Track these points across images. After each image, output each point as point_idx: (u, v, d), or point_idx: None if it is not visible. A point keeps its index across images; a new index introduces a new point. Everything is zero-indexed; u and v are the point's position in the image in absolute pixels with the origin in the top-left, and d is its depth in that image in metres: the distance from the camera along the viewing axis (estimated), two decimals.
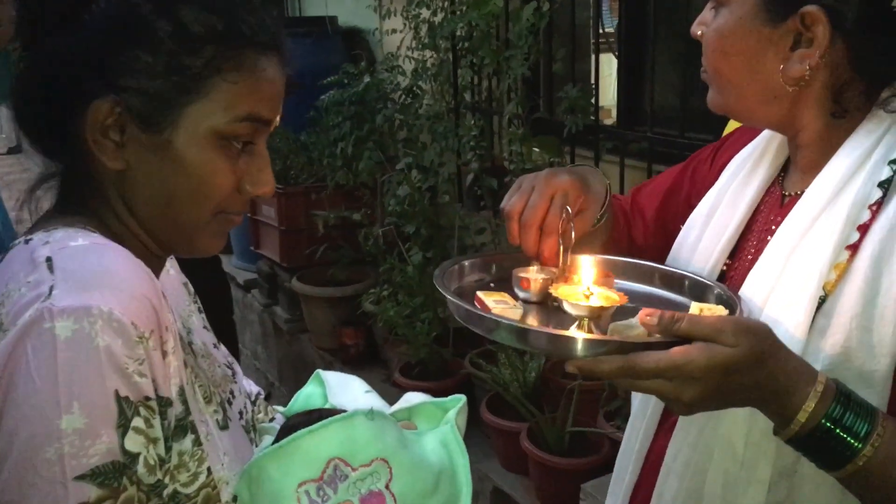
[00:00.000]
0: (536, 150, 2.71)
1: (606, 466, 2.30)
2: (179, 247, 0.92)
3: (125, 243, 0.85)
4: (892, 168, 0.91)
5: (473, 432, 2.83)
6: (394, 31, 3.54)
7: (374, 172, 3.34)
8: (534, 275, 1.02)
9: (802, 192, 0.98)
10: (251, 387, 1.18)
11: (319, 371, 1.18)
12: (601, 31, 3.02)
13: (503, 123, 3.11)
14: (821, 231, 0.92)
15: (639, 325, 0.85)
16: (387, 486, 0.87)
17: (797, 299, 0.90)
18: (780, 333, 0.86)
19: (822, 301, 0.90)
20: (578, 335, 0.84)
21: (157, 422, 0.77)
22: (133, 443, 0.74)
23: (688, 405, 0.81)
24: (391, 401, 1.11)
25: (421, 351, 2.81)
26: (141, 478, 0.75)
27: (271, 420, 1.16)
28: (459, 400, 1.03)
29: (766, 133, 1.10)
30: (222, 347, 1.10)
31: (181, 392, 0.82)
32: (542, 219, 1.02)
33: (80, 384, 0.72)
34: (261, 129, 0.87)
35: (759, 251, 1.01)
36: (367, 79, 3.49)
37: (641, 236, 1.25)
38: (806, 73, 0.91)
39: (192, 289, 1.10)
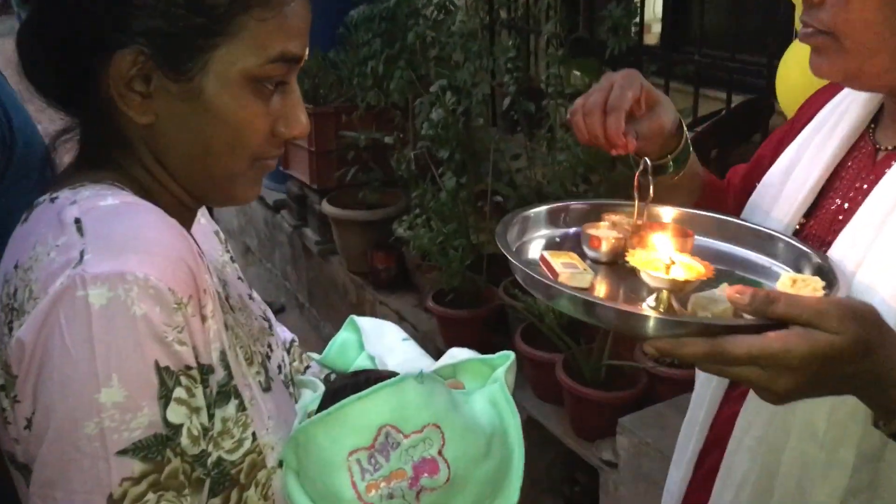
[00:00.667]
0: (576, 73, 2.60)
1: (643, 400, 2.28)
2: (216, 198, 0.87)
3: (156, 198, 0.81)
4: None
5: None
6: None
7: (406, 93, 3.23)
8: (605, 232, 0.95)
9: None
10: (285, 333, 1.15)
11: (353, 317, 1.14)
12: None
13: (541, 43, 2.99)
14: None
15: (725, 298, 0.77)
16: (439, 453, 0.83)
17: (892, 269, 0.83)
18: (876, 302, 0.79)
19: None
20: (654, 314, 0.76)
21: (199, 391, 0.74)
22: (175, 414, 0.71)
23: (781, 395, 0.73)
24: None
25: (454, 279, 2.77)
26: (185, 449, 0.72)
27: (306, 368, 1.13)
28: (508, 357, 0.99)
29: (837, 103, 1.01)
30: (256, 296, 1.06)
31: (223, 357, 0.78)
32: (604, 101, 0.94)
33: (117, 355, 0.68)
34: (292, 67, 0.82)
35: (846, 210, 0.94)
36: None
37: (729, 205, 1.16)
38: None
39: (223, 236, 1.05)
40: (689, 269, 0.83)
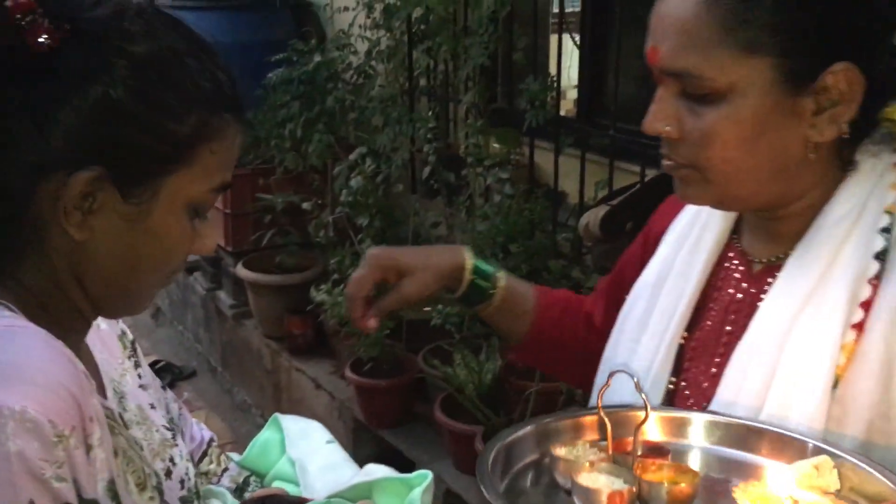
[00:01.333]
0: (495, 144, 2.63)
1: None
2: (118, 310, 0.85)
3: (52, 311, 0.77)
4: (885, 238, 0.85)
5: (426, 431, 2.77)
6: (345, 8, 3.40)
7: (325, 156, 3.22)
8: (605, 479, 0.78)
9: (778, 259, 0.92)
10: (203, 433, 1.09)
11: (277, 415, 1.10)
12: (564, 19, 2.94)
13: (460, 113, 3.02)
14: (821, 307, 0.85)
15: None
16: None
17: (808, 386, 0.83)
18: (793, 424, 0.80)
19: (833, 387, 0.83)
20: None
21: None
22: None
23: None
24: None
25: (373, 348, 2.73)
26: None
27: (224, 471, 1.07)
28: (426, 477, 0.96)
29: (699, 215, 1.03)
30: (161, 399, 1.01)
31: (111, 486, 0.74)
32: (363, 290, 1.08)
33: None
34: (218, 197, 0.84)
35: (733, 324, 0.94)
36: (317, 57, 3.35)
37: (600, 316, 1.18)
38: (844, 132, 0.85)
39: (128, 337, 1.00)
40: None
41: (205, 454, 1.07)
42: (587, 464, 0.80)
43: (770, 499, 0.72)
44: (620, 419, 0.86)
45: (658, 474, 0.79)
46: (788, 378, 0.85)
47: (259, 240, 3.41)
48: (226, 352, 3.96)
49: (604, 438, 0.85)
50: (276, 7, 3.96)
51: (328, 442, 1.07)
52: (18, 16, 0.70)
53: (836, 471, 0.76)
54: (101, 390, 0.85)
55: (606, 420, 0.84)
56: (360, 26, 3.29)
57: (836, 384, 0.83)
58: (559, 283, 2.51)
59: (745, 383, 0.88)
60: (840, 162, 0.90)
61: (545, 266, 2.59)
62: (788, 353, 0.86)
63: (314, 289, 3.05)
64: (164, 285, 0.85)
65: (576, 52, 2.94)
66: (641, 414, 0.84)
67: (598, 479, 0.78)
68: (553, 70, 2.64)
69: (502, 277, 1.17)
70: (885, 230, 0.85)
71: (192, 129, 0.76)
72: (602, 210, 2.36)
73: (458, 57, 2.86)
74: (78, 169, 0.72)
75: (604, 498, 0.75)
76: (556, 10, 3.26)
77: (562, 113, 2.83)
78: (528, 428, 0.89)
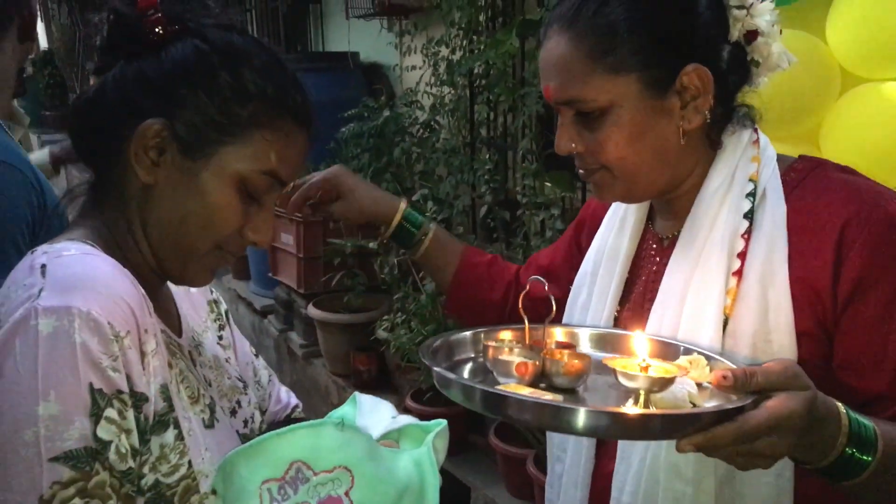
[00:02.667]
0: (548, 184, 2.80)
1: None
2: (172, 271, 0.99)
3: (126, 255, 0.94)
4: (750, 200, 1.05)
5: (482, 458, 2.89)
6: (413, 67, 3.67)
7: None
8: (518, 357, 1.02)
9: (678, 234, 1.10)
10: (291, 399, 1.26)
11: (357, 393, 1.24)
12: None
13: (517, 158, 3.21)
14: (708, 263, 1.04)
15: (680, 396, 0.88)
16: (346, 493, 0.92)
17: (705, 327, 1.02)
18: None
19: (724, 324, 1.01)
20: (675, 413, 0.85)
21: (130, 414, 0.84)
22: (105, 431, 0.81)
23: (781, 456, 0.84)
24: None
25: (431, 378, 2.87)
26: (113, 464, 0.81)
27: None
28: (440, 424, 1.07)
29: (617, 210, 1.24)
30: (247, 361, 1.19)
31: (164, 390, 0.89)
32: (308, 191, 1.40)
33: (56, 375, 0.79)
34: (275, 188, 0.97)
35: (651, 291, 1.13)
36: (386, 112, 3.60)
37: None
38: (707, 118, 1.04)
39: (221, 307, 1.19)
40: (664, 370, 0.91)
41: (288, 416, 1.24)
42: (506, 349, 1.05)
43: (630, 365, 0.91)
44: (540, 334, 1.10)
45: (560, 356, 1.01)
46: (690, 324, 1.04)
47: (329, 282, 3.62)
48: (296, 390, 4.13)
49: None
50: (350, 69, 4.26)
51: (393, 417, 1.18)
52: (142, 8, 0.90)
53: (707, 368, 0.93)
54: (178, 330, 1.03)
55: (524, 314, 1.08)
56: (426, 83, 3.54)
57: (726, 322, 1.01)
58: None
59: (660, 334, 1.07)
60: (710, 144, 1.09)
61: None
62: (689, 305, 1.05)
63: (378, 325, 3.24)
64: (214, 260, 0.98)
65: None
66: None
67: (513, 357, 1.01)
68: None
69: (431, 229, 1.41)
70: (751, 194, 1.05)
71: (250, 115, 0.92)
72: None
73: (515, 107, 3.06)
74: (153, 117, 0.91)
75: (513, 368, 0.98)
76: None
77: None
78: (468, 332, 1.13)
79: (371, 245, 3.38)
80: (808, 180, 1.05)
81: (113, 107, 0.93)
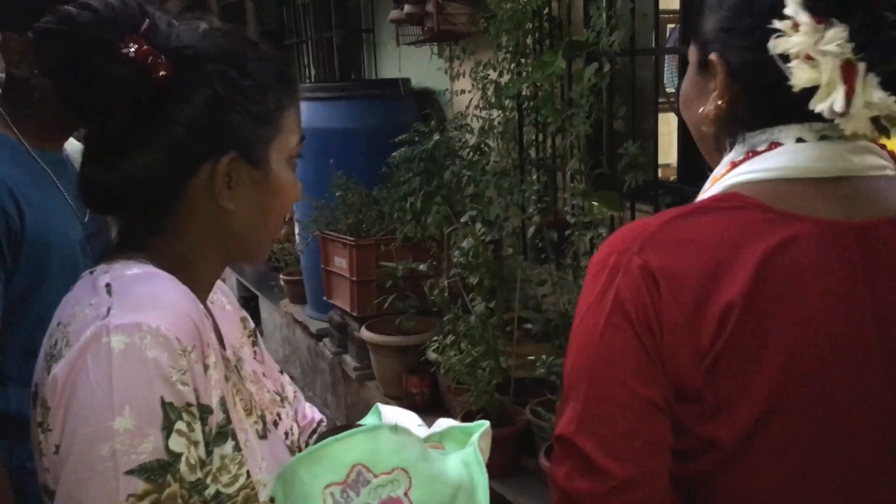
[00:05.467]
0: (596, 204, 2.79)
1: None
2: (253, 257, 1.06)
3: (192, 271, 0.99)
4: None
5: (533, 480, 2.86)
6: (463, 91, 3.70)
7: (442, 226, 3.46)
8: None
9: None
10: (314, 413, 1.29)
11: (378, 404, 1.27)
12: (663, 90, 3.11)
13: (566, 179, 3.21)
14: None
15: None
16: (405, 494, 0.96)
17: None
18: None
19: None
20: None
21: (197, 426, 0.87)
22: (176, 443, 0.84)
23: None
24: None
25: (482, 399, 2.87)
26: (183, 476, 0.85)
27: None
28: (483, 425, 1.12)
29: None
30: (276, 378, 1.22)
31: (222, 402, 0.92)
32: None
33: (130, 390, 0.82)
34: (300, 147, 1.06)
35: None
36: (436, 137, 3.64)
37: None
38: (711, 112, 0.99)
39: (251, 324, 1.22)
40: None
41: (314, 431, 1.26)
42: None
43: None
44: None
45: None
46: None
47: (381, 304, 3.65)
48: (350, 413, 4.19)
49: None
50: (402, 95, 4.32)
51: (419, 426, 1.21)
52: (139, 60, 0.91)
53: None
54: (221, 344, 1.06)
55: None
56: (475, 107, 3.57)
57: None
58: None
59: None
60: (718, 143, 1.04)
61: None
62: None
63: (429, 346, 3.26)
64: (277, 235, 1.07)
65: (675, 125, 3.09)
66: None
67: None
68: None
69: None
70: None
71: (275, 103, 0.99)
72: None
73: (563, 128, 3.07)
74: (219, 156, 0.96)
75: None
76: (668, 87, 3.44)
77: (664, 179, 2.97)
78: None
79: (421, 268, 3.40)
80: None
81: (166, 166, 0.95)
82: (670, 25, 3.59)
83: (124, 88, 0.91)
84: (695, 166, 3.00)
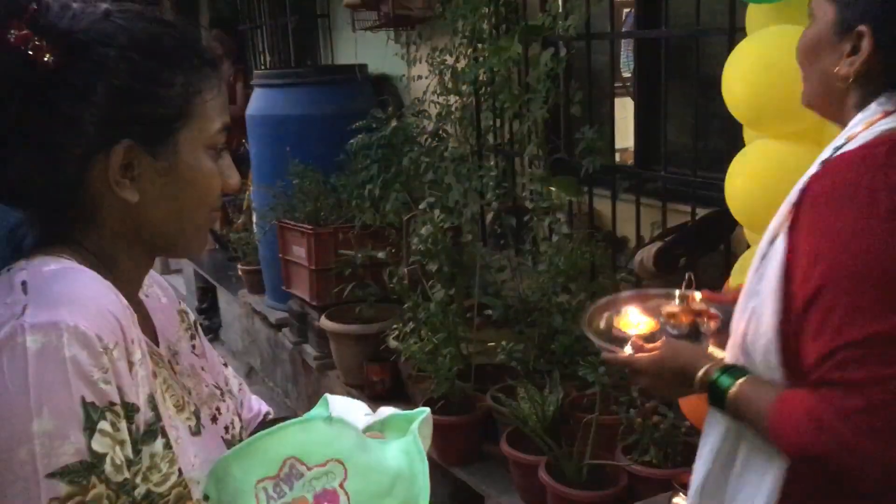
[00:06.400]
0: (554, 189, 2.80)
1: (624, 500, 2.34)
2: (179, 250, 1.01)
3: (112, 266, 0.95)
4: (831, 151, 1.16)
5: (494, 466, 2.87)
6: (420, 77, 3.68)
7: (401, 213, 3.44)
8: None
9: None
10: (260, 406, 1.27)
11: (327, 395, 1.25)
12: (619, 75, 3.11)
13: (524, 164, 3.21)
14: (791, 195, 1.16)
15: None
16: (341, 485, 0.93)
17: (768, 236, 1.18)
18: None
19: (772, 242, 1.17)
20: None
21: (123, 425, 0.84)
22: (100, 444, 0.81)
23: (648, 387, 1.34)
24: None
25: (443, 386, 2.87)
26: (109, 476, 0.82)
27: None
28: (423, 412, 1.09)
29: None
30: (218, 371, 1.19)
31: (150, 399, 0.89)
32: None
33: (48, 391, 0.79)
34: (225, 134, 1.01)
35: None
36: (394, 123, 3.61)
37: None
38: (850, 74, 1.14)
39: (190, 317, 1.19)
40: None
41: (261, 423, 1.24)
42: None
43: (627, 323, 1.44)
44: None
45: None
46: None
47: (341, 293, 3.63)
48: (311, 403, 4.14)
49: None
50: (358, 81, 4.28)
51: (367, 415, 1.20)
52: (21, 46, 0.85)
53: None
54: (154, 338, 1.03)
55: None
56: (432, 93, 3.55)
57: (774, 239, 1.16)
58: None
59: None
60: (845, 98, 1.18)
61: None
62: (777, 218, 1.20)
63: (389, 334, 3.24)
64: (210, 224, 1.01)
65: (631, 109, 3.11)
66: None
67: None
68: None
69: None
70: (837, 147, 1.15)
71: (182, 88, 0.93)
72: (655, 246, 2.48)
73: (521, 114, 3.06)
74: (111, 146, 0.90)
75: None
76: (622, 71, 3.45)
77: (622, 163, 2.98)
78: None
79: (380, 255, 3.38)
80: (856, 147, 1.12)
81: (54, 153, 0.89)
82: (626, 10, 3.60)
83: (7, 77, 0.86)
84: (650, 150, 3.02)
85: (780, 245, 1.12)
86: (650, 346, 1.32)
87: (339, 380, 3.77)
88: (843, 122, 1.20)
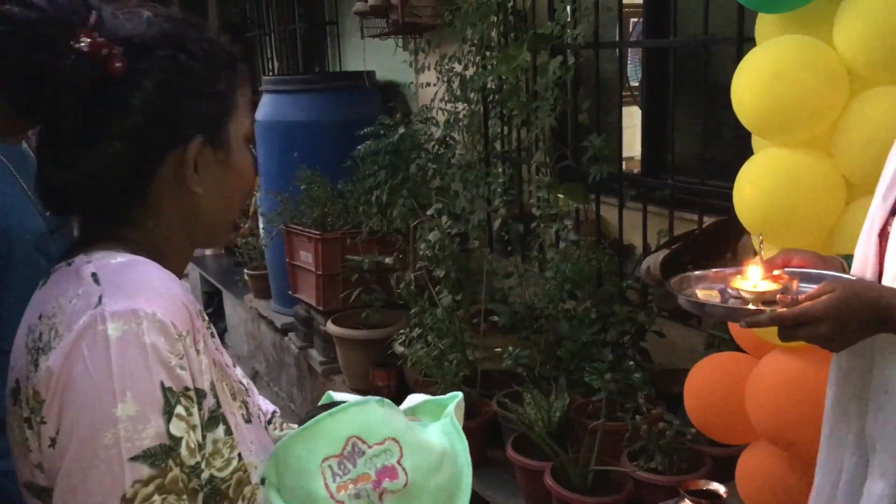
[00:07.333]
0: (562, 196, 2.81)
1: None
2: (217, 240, 1.08)
3: (165, 256, 0.98)
4: None
5: (500, 471, 2.88)
6: (428, 84, 3.70)
7: (408, 219, 3.46)
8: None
9: None
10: (267, 405, 1.29)
11: (330, 392, 1.27)
12: (627, 84, 3.13)
13: (531, 171, 3.22)
14: None
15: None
16: (398, 462, 0.99)
17: None
18: None
19: None
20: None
21: (195, 410, 0.87)
22: (176, 428, 0.84)
23: (823, 338, 1.16)
24: None
25: (448, 391, 2.87)
26: (184, 459, 0.85)
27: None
28: (456, 396, 1.17)
29: None
30: (238, 368, 1.22)
31: (212, 387, 0.92)
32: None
33: (131, 376, 0.82)
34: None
35: None
36: (401, 130, 3.63)
37: None
38: None
39: (205, 316, 1.21)
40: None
41: (269, 422, 1.26)
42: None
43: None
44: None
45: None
46: None
47: (347, 298, 3.64)
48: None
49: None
50: (366, 87, 4.31)
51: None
52: (95, 54, 0.89)
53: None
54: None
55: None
56: (440, 100, 3.57)
57: None
58: (624, 325, 2.63)
59: None
60: None
61: (612, 311, 2.72)
62: None
63: (395, 339, 3.25)
64: (237, 218, 1.07)
65: (639, 118, 3.12)
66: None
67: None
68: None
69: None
70: None
71: (227, 84, 0.98)
72: (662, 254, 2.50)
73: (528, 121, 3.08)
74: (186, 143, 0.95)
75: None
76: (630, 80, 3.47)
77: (629, 172, 2.99)
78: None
79: (387, 261, 3.39)
80: None
81: (126, 158, 0.93)
82: (633, 19, 3.62)
83: (79, 83, 0.89)
84: (657, 159, 3.04)
85: None
86: (803, 296, 1.20)
87: (345, 385, 3.78)
88: None
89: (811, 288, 1.25)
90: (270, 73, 6.03)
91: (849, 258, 1.37)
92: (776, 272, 1.32)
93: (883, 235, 1.29)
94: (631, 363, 2.57)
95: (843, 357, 1.32)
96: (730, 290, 1.31)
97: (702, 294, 1.36)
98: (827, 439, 1.37)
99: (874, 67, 1.70)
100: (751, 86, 1.79)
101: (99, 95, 0.90)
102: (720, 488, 2.07)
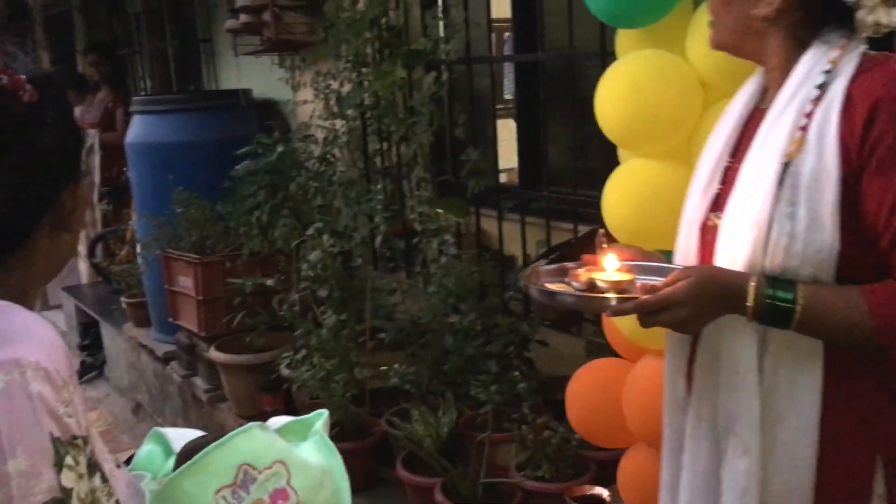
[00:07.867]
0: (442, 211, 2.82)
1: None
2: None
3: (31, 301, 0.95)
4: (824, 75, 1.24)
5: (391, 490, 2.86)
6: (305, 101, 3.66)
7: (290, 239, 3.40)
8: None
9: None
10: None
11: (157, 428, 1.24)
12: (502, 96, 3.18)
13: (412, 187, 3.23)
14: (783, 122, 1.25)
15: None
16: (288, 483, 1.01)
17: (766, 169, 1.24)
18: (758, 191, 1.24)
19: (787, 166, 1.22)
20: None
21: (82, 458, 0.84)
22: (67, 479, 0.81)
23: (683, 322, 1.21)
24: None
25: (337, 412, 2.83)
26: None
27: None
28: (322, 414, 1.19)
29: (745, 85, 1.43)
30: None
31: (87, 432, 0.89)
32: None
33: (20, 430, 0.78)
34: None
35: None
36: (280, 148, 3.56)
37: None
38: (770, 13, 1.25)
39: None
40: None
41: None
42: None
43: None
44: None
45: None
46: (754, 166, 1.27)
47: (230, 322, 3.54)
48: None
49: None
50: (243, 106, 4.22)
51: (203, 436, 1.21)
52: (12, 88, 0.89)
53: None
54: None
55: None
56: (319, 117, 3.53)
57: (788, 165, 1.22)
58: (508, 336, 2.66)
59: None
60: (797, 42, 1.27)
61: (496, 323, 2.75)
62: (757, 150, 1.28)
63: (280, 362, 3.18)
64: None
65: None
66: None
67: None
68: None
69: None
70: (827, 72, 1.24)
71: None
72: (540, 264, 2.54)
73: (407, 137, 3.08)
74: (77, 181, 0.94)
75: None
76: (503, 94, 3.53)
77: (508, 183, 3.03)
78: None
79: (270, 283, 3.33)
80: (877, 66, 1.22)
81: (28, 183, 0.91)
82: (507, 34, 3.69)
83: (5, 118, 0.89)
84: (534, 170, 3.10)
85: (830, 164, 1.18)
86: (661, 282, 1.24)
87: (232, 412, 3.67)
88: (761, 61, 1.33)
89: (651, 279, 1.32)
90: (143, 93, 5.84)
91: (668, 254, 1.47)
92: (619, 264, 1.37)
93: (704, 230, 1.36)
94: (516, 373, 2.60)
95: (675, 348, 1.42)
96: (575, 284, 1.34)
97: (552, 286, 1.38)
98: (667, 427, 1.46)
99: (724, 79, 1.78)
100: (612, 99, 1.84)
101: (15, 128, 0.90)
102: (603, 492, 2.11)
